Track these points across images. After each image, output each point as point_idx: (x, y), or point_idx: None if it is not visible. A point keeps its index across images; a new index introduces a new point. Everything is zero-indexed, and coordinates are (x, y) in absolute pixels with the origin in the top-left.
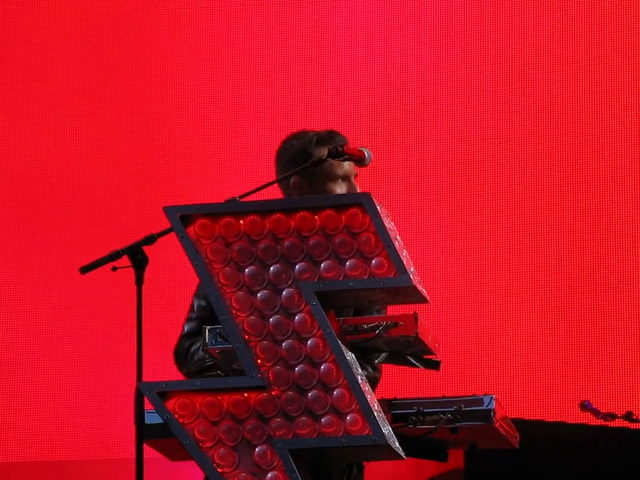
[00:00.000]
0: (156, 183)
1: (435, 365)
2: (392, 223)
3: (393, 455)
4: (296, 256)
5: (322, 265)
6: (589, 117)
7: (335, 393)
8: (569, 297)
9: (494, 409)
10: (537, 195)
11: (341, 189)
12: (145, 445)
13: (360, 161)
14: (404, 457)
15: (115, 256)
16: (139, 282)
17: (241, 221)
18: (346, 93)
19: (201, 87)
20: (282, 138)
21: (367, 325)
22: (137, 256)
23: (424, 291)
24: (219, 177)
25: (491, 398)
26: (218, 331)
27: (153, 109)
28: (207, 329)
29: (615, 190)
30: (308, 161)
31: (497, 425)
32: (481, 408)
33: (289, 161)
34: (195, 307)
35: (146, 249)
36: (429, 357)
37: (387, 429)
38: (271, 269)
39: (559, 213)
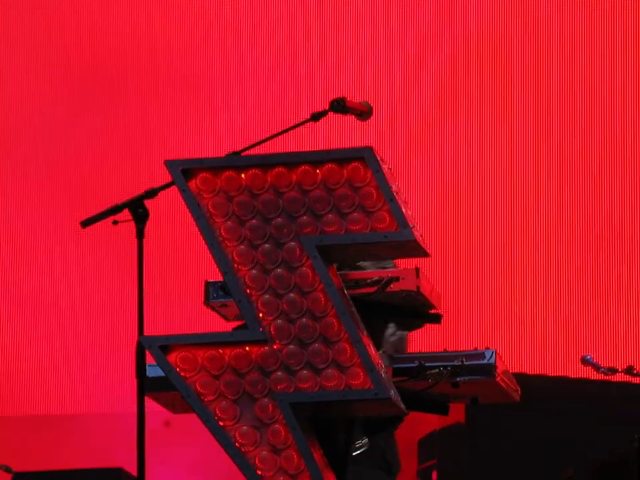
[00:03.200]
0: (158, 136)
1: (436, 319)
2: (395, 184)
3: (394, 408)
4: (297, 210)
5: (323, 219)
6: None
7: (336, 347)
8: (569, 253)
9: (495, 363)
10: (533, 156)
11: None
12: (146, 398)
13: (361, 114)
14: (405, 411)
15: (115, 209)
16: (140, 235)
17: (243, 175)
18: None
19: (208, 42)
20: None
21: (369, 279)
22: (137, 210)
23: (425, 245)
24: (222, 131)
25: (492, 352)
26: (219, 284)
27: (159, 63)
28: (208, 283)
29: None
30: None
31: (498, 379)
32: (482, 362)
33: None
34: None
35: (147, 202)
36: (430, 311)
37: (388, 383)
38: (273, 222)
39: (556, 175)
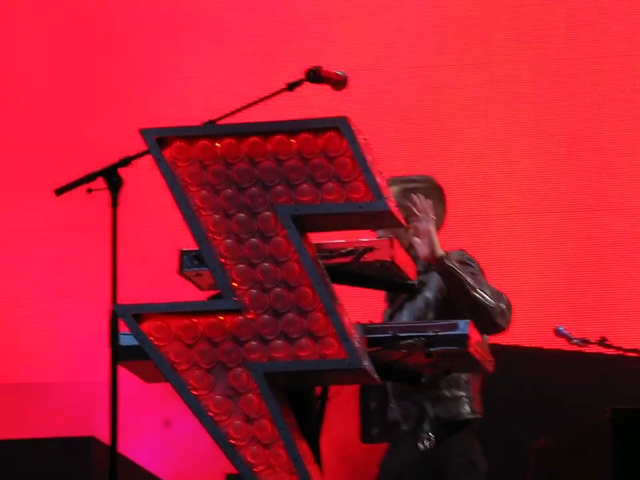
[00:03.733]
0: (133, 104)
1: (410, 289)
2: (371, 154)
3: (368, 378)
4: (272, 179)
5: (298, 189)
6: None
7: (310, 316)
8: (542, 224)
9: (468, 334)
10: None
11: None
12: (119, 367)
13: (337, 84)
14: (379, 381)
15: (90, 178)
16: (114, 204)
17: (217, 144)
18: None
19: (181, 10)
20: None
21: (343, 249)
22: (112, 178)
23: (400, 215)
24: (197, 99)
25: (466, 323)
26: (194, 254)
27: (131, 30)
28: (182, 252)
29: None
30: None
31: (472, 349)
32: (456, 333)
33: None
34: None
35: (121, 170)
36: (405, 281)
37: (362, 353)
38: (247, 192)
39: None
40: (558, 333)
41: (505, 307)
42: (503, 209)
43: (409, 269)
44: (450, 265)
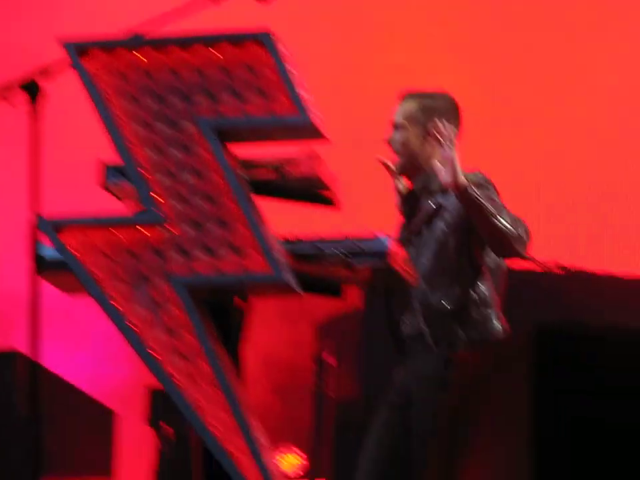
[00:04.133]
0: (56, 14)
1: (330, 203)
2: (294, 67)
3: (289, 291)
4: (194, 91)
5: (220, 101)
6: None
7: (232, 229)
8: None
9: (389, 247)
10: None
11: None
12: (40, 278)
13: None
14: (301, 293)
15: (9, 88)
16: (34, 116)
17: (139, 55)
18: None
19: None
20: None
21: (266, 162)
22: (31, 89)
23: (324, 128)
24: (120, 10)
25: (387, 238)
26: (116, 166)
27: None
28: (104, 165)
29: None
30: None
31: (393, 262)
32: (378, 247)
33: None
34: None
35: (41, 82)
36: (326, 193)
37: (284, 266)
38: (168, 103)
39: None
40: None
41: (523, 233)
42: None
43: (333, 184)
44: (472, 193)
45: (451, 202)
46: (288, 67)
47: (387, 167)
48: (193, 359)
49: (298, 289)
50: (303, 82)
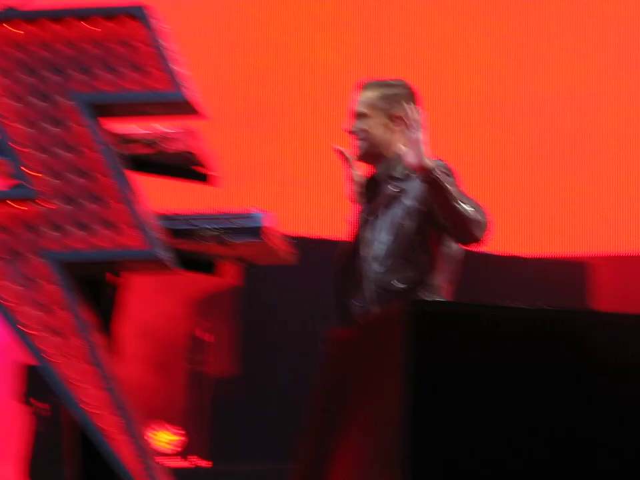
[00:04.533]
0: None
1: (206, 179)
2: (170, 42)
3: (164, 267)
4: (68, 66)
5: (95, 76)
6: None
7: (108, 205)
8: None
9: (266, 225)
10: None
11: None
12: None
13: None
14: (177, 270)
15: None
16: None
17: (11, 28)
18: None
19: None
20: None
21: (142, 138)
22: None
23: (200, 105)
24: None
25: (262, 214)
26: None
27: None
28: None
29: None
30: None
31: (269, 240)
32: (252, 223)
33: None
34: None
35: None
36: (202, 171)
37: (160, 243)
38: (40, 76)
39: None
40: None
41: (482, 219)
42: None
43: (209, 161)
44: (436, 176)
45: (411, 187)
46: (163, 41)
47: (344, 156)
48: (67, 335)
49: (173, 266)
50: (178, 57)
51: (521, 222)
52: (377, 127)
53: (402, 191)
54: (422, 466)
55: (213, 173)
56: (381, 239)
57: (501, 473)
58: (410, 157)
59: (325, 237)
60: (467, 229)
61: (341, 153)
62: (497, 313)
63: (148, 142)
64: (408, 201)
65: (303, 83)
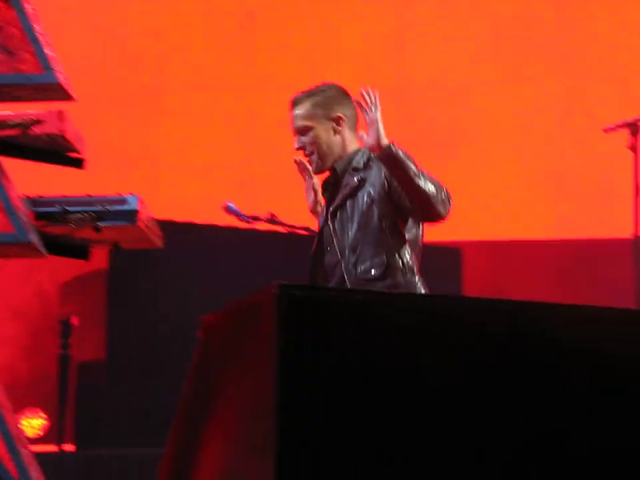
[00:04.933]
0: None
1: (77, 163)
2: (39, 25)
3: (34, 252)
4: None
5: None
6: None
7: None
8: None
9: (137, 209)
10: None
11: None
12: None
13: None
14: (45, 254)
15: None
16: None
17: None
18: None
19: None
20: None
21: (10, 121)
22: None
23: (69, 88)
24: None
25: (135, 198)
26: None
27: None
28: None
29: None
30: None
31: (142, 224)
32: (125, 208)
33: None
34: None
35: None
36: (73, 155)
37: (29, 227)
38: None
39: None
40: (228, 209)
41: (444, 196)
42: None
43: (80, 144)
44: (396, 151)
45: (373, 174)
46: (35, 25)
47: (304, 168)
48: None
49: (43, 250)
50: (48, 40)
51: None
52: (322, 134)
53: (364, 180)
54: (291, 453)
55: (83, 157)
56: (349, 229)
57: (373, 461)
58: (370, 138)
59: (197, 222)
60: (430, 205)
61: (300, 164)
62: (368, 298)
63: (17, 125)
64: (371, 188)
65: (177, 66)
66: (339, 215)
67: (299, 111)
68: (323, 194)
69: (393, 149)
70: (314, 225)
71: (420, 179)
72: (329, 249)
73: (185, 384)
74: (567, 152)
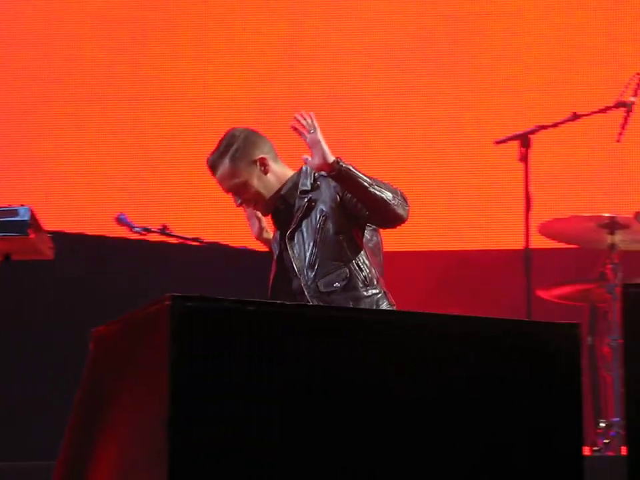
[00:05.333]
0: None
1: None
2: None
3: None
4: None
5: None
6: None
7: None
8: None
9: (29, 221)
10: None
11: None
12: None
13: None
14: None
15: None
16: None
17: None
18: None
19: None
20: None
21: None
22: None
23: None
24: None
25: (27, 209)
26: None
27: None
28: None
29: None
30: None
31: (32, 236)
32: (16, 219)
33: None
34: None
35: None
36: None
37: None
38: None
39: None
40: (119, 220)
41: (401, 199)
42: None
43: None
44: (345, 167)
45: (322, 192)
46: None
47: (252, 214)
48: None
49: None
50: None
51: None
52: (254, 182)
53: (313, 201)
54: (182, 465)
55: None
56: (308, 248)
57: (266, 468)
58: (315, 159)
59: (88, 233)
60: (389, 210)
61: (256, 217)
62: (260, 309)
63: None
64: (322, 206)
65: (67, 77)
66: (296, 238)
67: (222, 172)
68: (275, 223)
69: (342, 164)
70: (209, 237)
71: (374, 187)
72: (294, 274)
73: (77, 394)
74: (457, 163)
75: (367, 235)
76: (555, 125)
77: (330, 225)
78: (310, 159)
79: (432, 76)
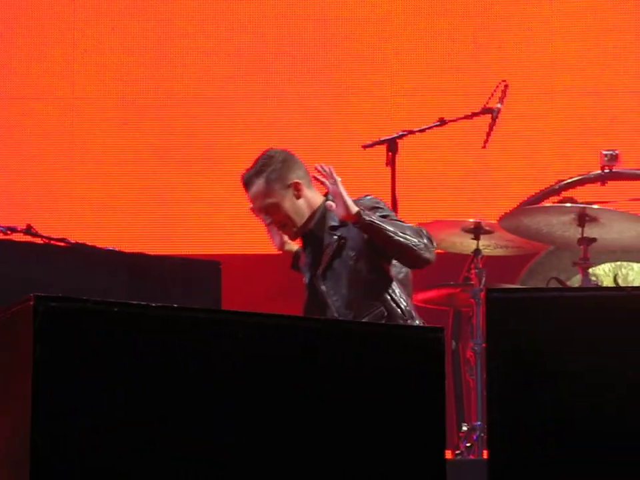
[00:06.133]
0: None
1: None
2: None
3: None
4: None
5: None
6: None
7: None
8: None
9: None
10: None
11: None
12: None
13: None
14: None
15: None
16: None
17: None
18: None
19: None
20: None
21: None
22: None
23: None
24: None
25: None
26: None
27: None
28: None
29: None
30: None
31: None
32: None
33: None
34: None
35: None
36: None
37: None
38: None
39: None
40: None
41: (427, 241)
42: None
43: None
44: (369, 220)
45: (351, 230)
46: None
47: (284, 245)
48: None
49: None
50: None
51: (157, 221)
52: (287, 205)
53: (344, 238)
54: (44, 465)
55: None
56: (342, 288)
57: (125, 469)
58: (339, 210)
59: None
60: (415, 256)
61: (282, 242)
62: (124, 309)
63: None
64: (353, 244)
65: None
66: (329, 276)
67: (256, 191)
68: (304, 249)
69: (366, 217)
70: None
71: (398, 235)
72: (330, 311)
73: None
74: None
75: (397, 266)
76: (421, 130)
77: (362, 266)
78: (334, 206)
79: (301, 80)
